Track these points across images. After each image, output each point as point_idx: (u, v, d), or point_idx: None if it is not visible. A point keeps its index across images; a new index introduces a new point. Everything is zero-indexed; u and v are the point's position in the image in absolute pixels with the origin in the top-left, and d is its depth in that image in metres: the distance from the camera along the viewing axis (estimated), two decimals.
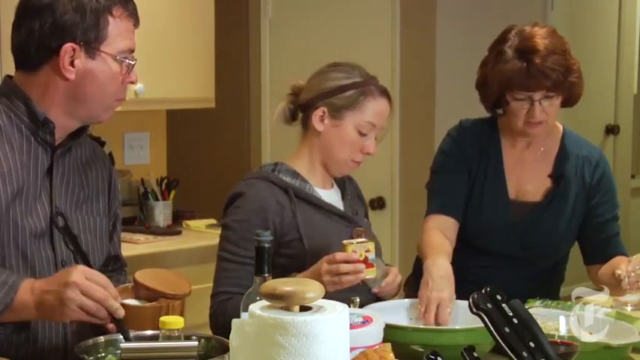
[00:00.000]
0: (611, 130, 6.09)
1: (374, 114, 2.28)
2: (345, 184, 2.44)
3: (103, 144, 3.59)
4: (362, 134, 2.28)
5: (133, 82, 1.96)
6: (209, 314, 2.27)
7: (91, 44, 1.86)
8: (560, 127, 2.62)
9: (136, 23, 1.95)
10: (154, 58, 3.49)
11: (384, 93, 2.31)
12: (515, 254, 2.52)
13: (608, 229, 2.57)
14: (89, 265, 1.82)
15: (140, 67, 1.98)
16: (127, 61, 1.90)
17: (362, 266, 2.10)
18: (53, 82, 1.89)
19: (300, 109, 2.35)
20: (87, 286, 1.71)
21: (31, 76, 1.91)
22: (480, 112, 2.65)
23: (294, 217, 2.24)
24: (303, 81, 2.38)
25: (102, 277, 1.75)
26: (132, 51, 1.92)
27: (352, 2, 4.38)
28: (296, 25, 4.53)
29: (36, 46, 1.87)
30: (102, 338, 1.74)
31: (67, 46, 1.86)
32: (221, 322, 2.20)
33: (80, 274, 1.72)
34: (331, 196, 2.37)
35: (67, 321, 1.76)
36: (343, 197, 2.41)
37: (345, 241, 2.14)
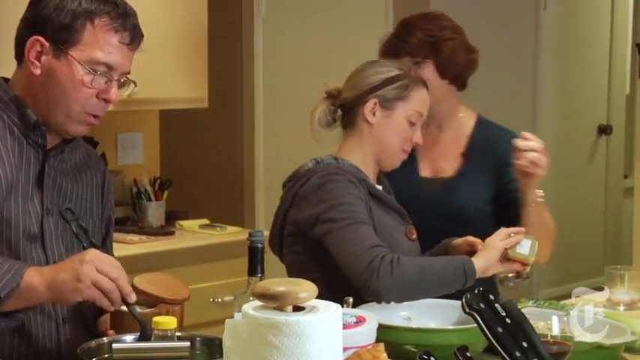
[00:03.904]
0: (604, 130, 6.10)
1: (420, 103, 2.35)
2: (382, 182, 2.46)
3: (96, 144, 3.59)
4: (411, 124, 2.34)
5: (108, 101, 1.90)
6: (375, 272, 2.09)
7: (60, 44, 1.85)
8: (475, 115, 2.69)
9: (130, 43, 1.89)
10: (146, 58, 3.47)
11: (424, 83, 2.38)
12: (432, 229, 2.50)
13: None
14: None
15: (133, 67, 1.97)
16: (97, 74, 1.86)
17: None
18: (30, 78, 1.89)
19: (342, 108, 2.38)
20: (102, 264, 1.72)
21: (19, 69, 1.93)
22: (475, 108, 2.67)
23: (370, 210, 2.26)
24: (339, 83, 2.41)
25: (116, 261, 1.77)
26: (109, 66, 1.87)
27: (346, 2, 4.38)
28: (289, 25, 4.54)
29: (17, 36, 1.90)
30: (105, 340, 1.74)
31: (33, 39, 1.86)
32: (395, 270, 2.10)
33: (96, 253, 1.75)
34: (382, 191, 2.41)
35: (78, 299, 1.75)
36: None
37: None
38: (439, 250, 2.40)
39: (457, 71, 2.59)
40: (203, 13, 3.84)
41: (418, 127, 2.36)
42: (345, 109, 2.37)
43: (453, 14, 4.36)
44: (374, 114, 2.33)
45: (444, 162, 2.63)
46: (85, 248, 1.86)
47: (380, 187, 2.38)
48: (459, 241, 2.36)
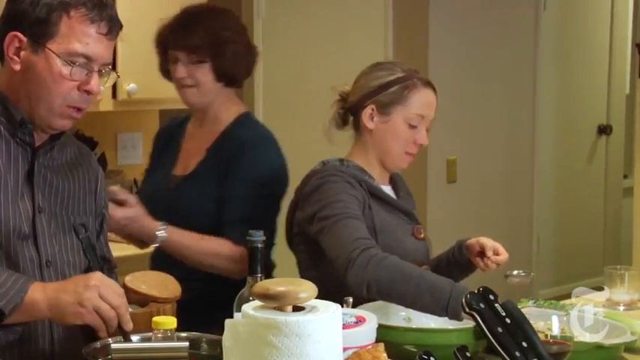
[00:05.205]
0: (604, 130, 6.10)
1: (421, 106, 2.32)
2: (395, 182, 2.45)
3: (95, 144, 3.59)
4: (412, 127, 2.32)
5: (90, 93, 1.88)
6: (351, 261, 2.07)
7: (38, 38, 1.85)
8: (240, 113, 2.59)
9: (107, 33, 1.87)
10: (146, 58, 3.48)
11: (428, 84, 2.35)
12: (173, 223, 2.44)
13: (223, 210, 2.47)
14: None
15: (133, 67, 1.97)
16: (76, 65, 1.85)
17: None
18: (12, 74, 1.88)
19: (350, 112, 2.38)
20: (106, 290, 1.72)
21: (0, 67, 1.92)
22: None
23: (369, 209, 2.26)
24: (349, 86, 2.41)
25: (119, 287, 1.77)
26: (88, 57, 1.85)
27: (345, 3, 4.38)
28: (289, 26, 4.53)
29: None
30: (110, 340, 1.74)
31: (11, 35, 1.86)
32: (371, 264, 2.06)
33: (101, 278, 1.75)
34: (390, 192, 2.40)
35: (78, 323, 1.75)
36: (397, 194, 2.43)
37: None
38: (453, 249, 2.41)
39: (235, 75, 2.53)
40: None
41: (421, 129, 2.34)
42: (352, 113, 2.38)
43: (453, 14, 4.38)
44: (372, 119, 2.32)
45: (193, 158, 2.57)
46: (90, 266, 1.89)
47: (389, 187, 2.39)
48: (472, 241, 2.36)
